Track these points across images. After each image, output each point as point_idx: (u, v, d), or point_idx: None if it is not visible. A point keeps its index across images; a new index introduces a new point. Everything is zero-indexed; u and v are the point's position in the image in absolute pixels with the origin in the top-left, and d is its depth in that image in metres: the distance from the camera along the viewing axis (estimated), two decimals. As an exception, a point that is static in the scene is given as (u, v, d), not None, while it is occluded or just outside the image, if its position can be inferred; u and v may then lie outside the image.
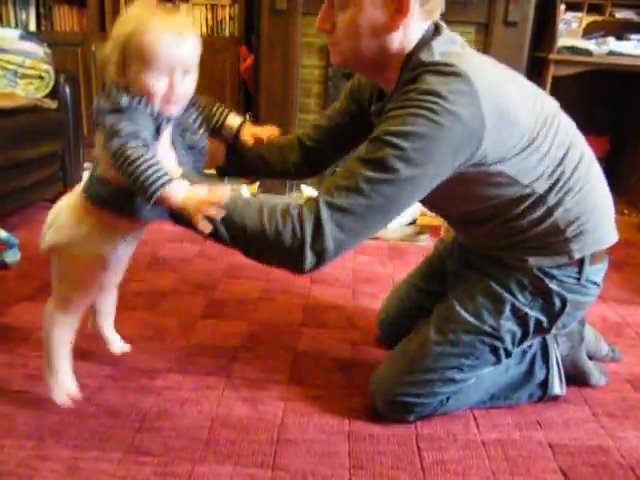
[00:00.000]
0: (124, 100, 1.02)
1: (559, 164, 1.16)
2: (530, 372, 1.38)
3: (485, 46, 2.96)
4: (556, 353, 1.40)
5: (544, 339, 1.39)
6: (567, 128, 1.22)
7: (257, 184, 3.10)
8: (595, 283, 1.28)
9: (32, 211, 2.57)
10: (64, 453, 1.15)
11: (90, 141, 3.61)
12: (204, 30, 3.51)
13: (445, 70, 1.03)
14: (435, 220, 2.59)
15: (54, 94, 2.57)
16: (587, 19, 3.15)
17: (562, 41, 3.06)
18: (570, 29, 3.14)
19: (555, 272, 1.22)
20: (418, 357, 1.27)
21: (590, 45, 3.05)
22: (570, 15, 3.15)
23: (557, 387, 1.40)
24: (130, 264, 2.05)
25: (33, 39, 2.60)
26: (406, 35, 1.10)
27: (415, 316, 1.42)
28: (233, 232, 1.07)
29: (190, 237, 2.39)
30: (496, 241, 1.27)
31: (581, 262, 1.22)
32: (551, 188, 1.16)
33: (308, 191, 2.99)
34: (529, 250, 1.22)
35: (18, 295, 1.81)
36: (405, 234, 2.55)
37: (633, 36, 3.11)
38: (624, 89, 3.41)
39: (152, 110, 1.05)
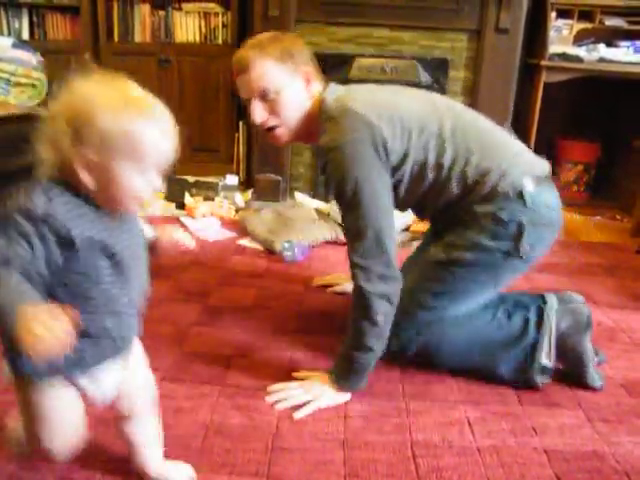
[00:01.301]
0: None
1: (445, 141, 1.41)
2: (521, 334, 1.46)
3: (477, 53, 2.98)
4: (552, 324, 1.46)
5: (541, 308, 1.48)
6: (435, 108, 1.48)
7: (250, 191, 3.10)
8: (547, 205, 1.45)
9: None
10: (56, 464, 1.13)
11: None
12: (197, 38, 3.52)
13: (338, 113, 1.38)
14: (427, 226, 2.60)
15: (47, 102, 2.57)
16: (577, 26, 3.17)
17: (553, 48, 3.08)
18: (561, 36, 3.16)
19: (502, 205, 1.40)
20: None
21: (581, 52, 3.07)
22: (561, 22, 3.17)
23: (544, 356, 1.45)
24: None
25: (26, 47, 2.61)
26: (313, 97, 1.44)
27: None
28: None
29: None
30: (445, 211, 1.49)
31: (520, 193, 1.40)
32: (454, 160, 1.41)
33: (302, 198, 3.00)
34: (472, 204, 1.43)
35: None
36: (399, 241, 2.56)
37: (622, 43, 3.14)
38: (614, 95, 3.44)
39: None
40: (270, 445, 1.23)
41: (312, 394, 1.38)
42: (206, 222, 2.65)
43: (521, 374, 1.46)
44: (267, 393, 1.41)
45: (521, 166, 1.45)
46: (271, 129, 1.45)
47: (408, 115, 1.40)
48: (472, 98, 3.04)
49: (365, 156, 1.34)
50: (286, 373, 1.50)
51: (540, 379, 1.46)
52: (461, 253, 1.43)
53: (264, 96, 1.40)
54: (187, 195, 2.80)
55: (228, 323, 1.76)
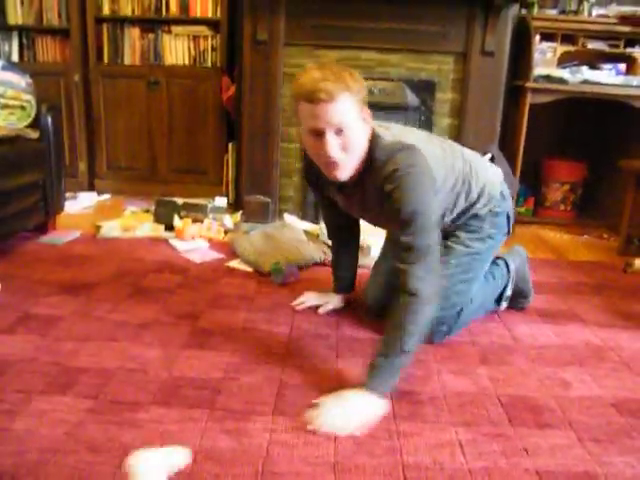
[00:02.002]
0: None
1: (465, 177, 1.75)
2: (501, 283, 2.02)
3: (464, 75, 3.02)
4: (513, 268, 2.03)
5: (506, 261, 2.03)
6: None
7: (239, 213, 3.10)
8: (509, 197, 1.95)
9: (12, 241, 2.55)
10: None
11: (72, 170, 3.61)
12: (187, 61, 3.55)
13: (401, 147, 1.53)
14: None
15: (36, 124, 2.57)
16: (561, 49, 3.24)
17: (538, 70, 3.14)
18: (545, 58, 3.22)
19: (495, 204, 1.86)
20: None
21: (565, 74, 3.13)
22: (545, 45, 3.23)
23: (509, 289, 2.03)
24: (112, 295, 2.05)
25: (15, 69, 2.61)
26: (368, 134, 1.54)
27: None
28: None
29: (172, 267, 2.38)
30: (452, 221, 1.84)
31: (501, 193, 1.89)
32: (467, 193, 1.77)
33: (291, 220, 3.00)
34: (476, 209, 1.83)
35: (-4, 328, 1.78)
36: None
37: (605, 66, 3.21)
38: (599, 115, 3.50)
39: None
40: (260, 469, 1.21)
41: (345, 408, 1.40)
42: (195, 244, 2.64)
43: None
44: (259, 416, 1.40)
45: (496, 175, 1.90)
46: (336, 163, 1.49)
47: (441, 161, 1.65)
48: (459, 119, 3.08)
49: (430, 184, 1.54)
50: (275, 396, 1.49)
51: (505, 304, 2.06)
52: (480, 244, 1.84)
53: (339, 131, 1.43)
54: (176, 217, 2.80)
55: (217, 346, 1.74)
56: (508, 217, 1.92)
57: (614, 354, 1.82)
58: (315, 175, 1.71)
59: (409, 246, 1.48)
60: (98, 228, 2.77)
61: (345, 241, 2.03)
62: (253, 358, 1.68)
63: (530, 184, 3.51)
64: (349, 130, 1.44)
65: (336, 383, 1.57)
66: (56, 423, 1.32)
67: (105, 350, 1.67)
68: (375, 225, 1.86)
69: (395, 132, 1.59)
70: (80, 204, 3.32)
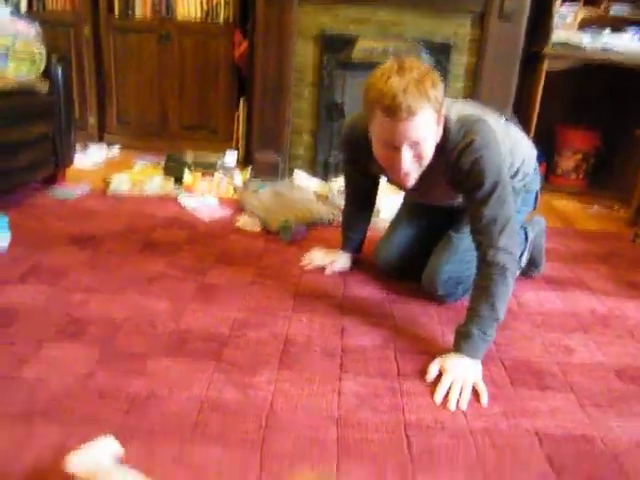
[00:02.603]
0: None
1: (510, 150, 1.71)
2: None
3: (480, 38, 2.96)
4: (530, 238, 2.00)
5: (525, 229, 1.97)
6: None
7: (249, 170, 3.09)
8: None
9: (23, 193, 2.55)
10: (53, 434, 1.14)
11: (81, 124, 3.59)
12: (199, 15, 3.48)
13: (471, 121, 1.51)
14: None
15: (46, 75, 2.55)
16: (582, 12, 3.15)
17: (557, 34, 3.06)
18: (565, 23, 3.14)
19: (529, 179, 1.87)
20: (456, 246, 1.80)
21: (585, 39, 3.06)
22: (566, 9, 3.15)
23: (525, 258, 1.99)
24: (121, 248, 2.06)
25: (24, 19, 2.57)
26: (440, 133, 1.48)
27: (413, 249, 1.94)
28: None
29: (180, 223, 2.39)
30: None
31: (534, 169, 1.90)
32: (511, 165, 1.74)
33: (301, 178, 2.99)
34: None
35: (8, 276, 1.80)
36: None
37: (627, 30, 3.12)
38: (616, 82, 3.42)
39: None
40: (264, 422, 1.24)
41: (464, 381, 1.41)
42: (204, 200, 2.64)
43: None
44: (265, 370, 1.42)
45: (533, 150, 1.87)
46: (407, 174, 1.48)
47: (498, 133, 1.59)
48: (474, 83, 3.03)
49: (502, 154, 1.52)
50: (281, 351, 1.51)
51: (517, 272, 1.90)
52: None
53: (415, 143, 1.40)
54: (186, 172, 2.79)
55: (225, 301, 1.76)
56: (537, 194, 1.94)
57: (619, 322, 1.83)
58: (364, 157, 1.66)
59: (492, 218, 1.47)
60: (107, 184, 2.76)
61: (362, 204, 2.03)
62: (260, 313, 1.70)
63: (542, 151, 3.45)
64: (425, 142, 1.41)
65: (341, 339, 1.59)
66: (65, 371, 1.35)
67: (114, 301, 1.69)
68: (428, 201, 1.85)
69: (457, 107, 1.55)
70: (90, 157, 3.31)
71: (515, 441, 1.24)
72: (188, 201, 2.61)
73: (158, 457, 1.11)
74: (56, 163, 2.66)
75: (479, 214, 1.49)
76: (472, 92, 3.03)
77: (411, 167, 1.46)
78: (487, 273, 1.48)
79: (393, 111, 1.32)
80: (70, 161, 2.80)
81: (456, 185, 1.57)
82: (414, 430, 1.25)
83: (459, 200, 1.67)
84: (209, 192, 2.72)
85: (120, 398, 1.27)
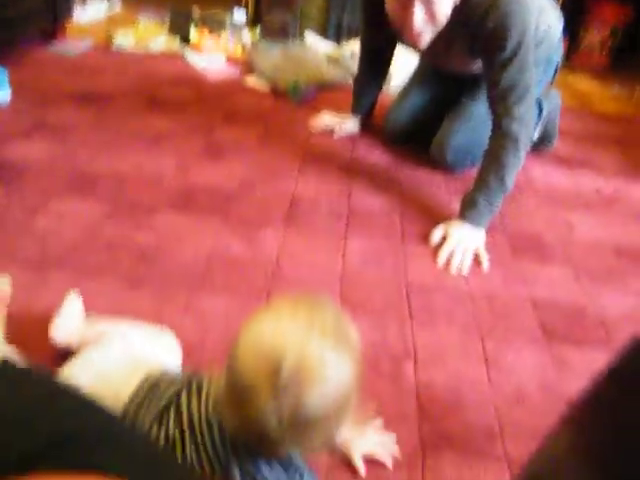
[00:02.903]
0: None
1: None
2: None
3: None
4: (544, 112, 1.93)
5: (540, 101, 1.87)
6: None
7: (258, 29, 2.94)
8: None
9: (22, 49, 2.45)
10: (66, 281, 1.18)
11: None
12: None
13: None
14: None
15: None
16: None
17: None
18: None
19: (552, 49, 1.77)
20: (469, 114, 1.76)
21: None
22: None
23: (537, 132, 1.94)
24: (127, 106, 2.02)
25: None
26: None
27: (424, 114, 1.90)
28: None
29: (187, 81, 2.32)
30: None
31: (559, 39, 1.80)
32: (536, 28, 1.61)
33: (312, 39, 2.85)
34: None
35: (11, 132, 1.77)
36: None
37: None
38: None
39: None
40: (269, 274, 1.28)
41: (466, 246, 1.44)
42: (211, 58, 2.54)
43: None
44: (271, 226, 1.45)
45: (559, 19, 1.79)
46: (419, 35, 1.42)
47: None
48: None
49: (531, 15, 1.43)
50: (288, 209, 1.53)
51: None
52: None
53: (427, 3, 1.35)
54: (192, 29, 2.66)
55: (232, 159, 1.75)
56: (557, 67, 1.87)
57: (623, 203, 1.83)
58: (380, 17, 1.56)
59: (510, 86, 1.41)
60: (111, 38, 2.64)
61: (376, 67, 1.94)
62: (267, 172, 1.70)
63: (567, 24, 3.27)
64: (438, 2, 1.35)
65: (347, 200, 1.61)
66: (75, 223, 1.38)
67: (121, 158, 1.68)
68: (444, 66, 1.78)
69: None
70: (90, 12, 3.13)
71: (511, 306, 1.29)
72: (195, 59, 2.52)
73: (167, 306, 1.16)
74: (54, 16, 2.52)
75: (497, 80, 1.43)
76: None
77: (423, 27, 1.40)
78: (499, 143, 1.45)
79: None
80: (69, 14, 2.65)
81: (476, 48, 1.49)
82: (415, 290, 1.30)
83: (476, 66, 1.60)
84: (216, 50, 2.60)
85: (129, 249, 1.31)
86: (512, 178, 1.47)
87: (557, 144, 2.16)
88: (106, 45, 2.64)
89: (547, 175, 1.95)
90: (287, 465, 0.70)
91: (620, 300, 1.36)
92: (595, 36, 3.26)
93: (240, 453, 0.68)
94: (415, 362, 1.10)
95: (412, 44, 1.56)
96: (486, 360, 1.13)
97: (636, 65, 3.28)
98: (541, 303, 1.31)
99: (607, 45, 3.27)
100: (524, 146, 1.46)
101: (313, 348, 0.61)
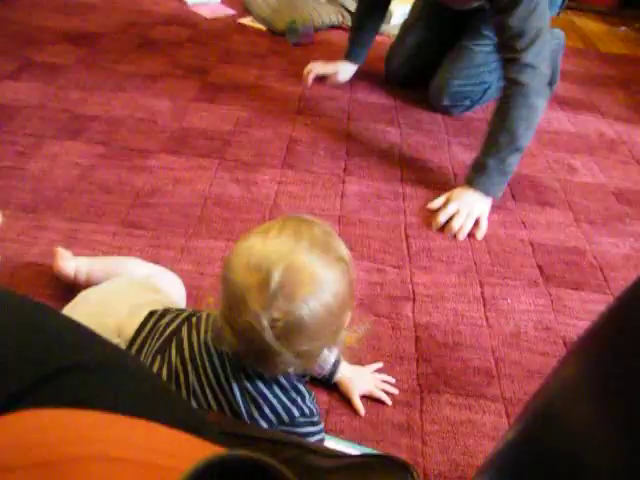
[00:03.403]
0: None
1: None
2: None
3: None
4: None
5: None
6: None
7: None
8: None
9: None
10: (62, 225, 1.17)
11: None
12: None
13: None
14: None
15: None
16: None
17: None
18: None
19: None
20: (469, 59, 1.68)
21: None
22: None
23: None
24: (118, 45, 1.96)
25: None
26: None
27: (424, 54, 1.83)
28: None
29: (181, 20, 2.25)
30: None
31: None
32: None
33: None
34: None
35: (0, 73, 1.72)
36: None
37: None
38: None
39: None
40: (267, 216, 1.26)
41: (469, 211, 1.32)
42: (205, -3, 2.46)
43: None
44: (268, 168, 1.42)
45: None
46: None
47: None
48: None
49: None
50: (285, 151, 1.50)
51: None
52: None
53: None
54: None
55: (228, 100, 1.71)
56: (563, 1, 1.79)
57: (625, 148, 1.80)
58: None
59: (520, 29, 1.28)
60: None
61: (374, 4, 1.81)
62: (264, 114, 1.67)
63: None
64: None
65: (346, 141, 1.58)
66: (69, 166, 1.35)
67: (113, 99, 1.64)
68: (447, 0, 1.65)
69: None
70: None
71: (510, 248, 1.28)
72: (189, -2, 2.43)
73: (164, 248, 1.15)
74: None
75: (505, 22, 1.30)
76: None
77: None
78: (508, 94, 1.32)
79: None
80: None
81: None
82: (414, 231, 1.29)
83: (481, 2, 1.53)
84: (211, -11, 2.51)
85: (124, 192, 1.29)
86: (527, 133, 1.32)
87: (560, 85, 2.11)
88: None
89: (549, 118, 1.91)
90: (288, 388, 0.71)
91: (619, 242, 1.36)
92: (603, -25, 3.15)
93: (240, 375, 0.69)
94: (414, 303, 1.10)
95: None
96: (484, 302, 1.13)
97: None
98: (540, 246, 1.30)
99: (614, -16, 3.16)
100: (539, 96, 1.32)
101: (301, 256, 0.63)
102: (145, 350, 0.76)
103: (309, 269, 0.63)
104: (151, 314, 0.80)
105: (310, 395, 0.73)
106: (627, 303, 0.38)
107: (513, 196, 1.46)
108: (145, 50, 1.97)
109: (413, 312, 1.08)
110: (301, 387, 0.72)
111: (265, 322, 0.61)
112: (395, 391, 0.94)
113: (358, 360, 0.95)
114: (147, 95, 1.68)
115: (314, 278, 0.63)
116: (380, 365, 0.97)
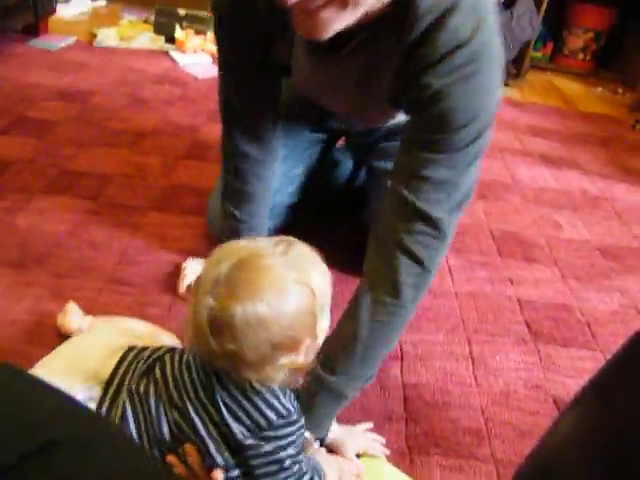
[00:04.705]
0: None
1: None
2: None
3: None
4: None
5: None
6: None
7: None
8: None
9: (3, 43, 2.41)
10: (49, 280, 1.16)
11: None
12: None
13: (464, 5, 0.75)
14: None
15: None
16: None
17: None
18: None
19: None
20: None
21: None
22: None
23: None
24: (110, 103, 1.99)
25: None
26: None
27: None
28: None
29: (172, 80, 2.30)
30: None
31: None
32: None
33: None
34: None
35: (-8, 127, 1.74)
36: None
37: None
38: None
39: None
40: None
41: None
42: (196, 58, 2.52)
43: None
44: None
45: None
46: (317, 11, 0.69)
47: None
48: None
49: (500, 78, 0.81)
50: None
51: None
52: None
53: None
54: (177, 28, 2.63)
55: (217, 158, 1.71)
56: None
57: (608, 204, 1.84)
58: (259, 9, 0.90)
59: (442, 179, 0.81)
60: (94, 35, 2.61)
61: (261, 168, 1.12)
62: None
63: (551, 28, 3.30)
64: None
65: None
66: (58, 221, 1.35)
67: (104, 156, 1.66)
68: (349, 117, 1.18)
69: None
70: (73, 9, 3.10)
71: (497, 305, 1.29)
72: (180, 57, 2.49)
73: (150, 306, 1.14)
74: (35, 10, 2.48)
75: (423, 165, 0.81)
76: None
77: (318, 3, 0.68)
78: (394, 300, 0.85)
79: None
80: (51, 9, 2.61)
81: (403, 99, 0.85)
82: (401, 290, 1.28)
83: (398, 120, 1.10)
84: (202, 49, 2.58)
85: (112, 249, 1.29)
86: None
87: (543, 143, 2.17)
88: (89, 41, 2.61)
89: (533, 175, 1.95)
90: (262, 391, 0.70)
91: (606, 299, 1.37)
92: (578, 39, 3.29)
93: (216, 385, 0.70)
94: (402, 362, 1.10)
95: (308, 30, 0.73)
96: (473, 360, 1.13)
97: (619, 68, 3.31)
98: (527, 303, 1.31)
99: (590, 49, 3.29)
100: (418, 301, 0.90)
101: (262, 259, 0.65)
102: (128, 377, 0.77)
103: (261, 273, 0.64)
104: (130, 349, 0.81)
105: (285, 393, 0.72)
106: (615, 367, 0.38)
107: (499, 253, 1.47)
108: (136, 108, 2.00)
109: (401, 371, 1.08)
110: (275, 388, 0.71)
111: (205, 307, 0.63)
112: (386, 451, 0.92)
113: (347, 420, 0.93)
114: (137, 152, 1.70)
115: (260, 284, 0.64)
116: (370, 425, 0.95)
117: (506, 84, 2.88)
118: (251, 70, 1.00)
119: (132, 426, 0.73)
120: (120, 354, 0.80)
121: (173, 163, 1.67)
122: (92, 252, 1.26)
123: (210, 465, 0.71)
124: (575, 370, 1.14)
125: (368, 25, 0.79)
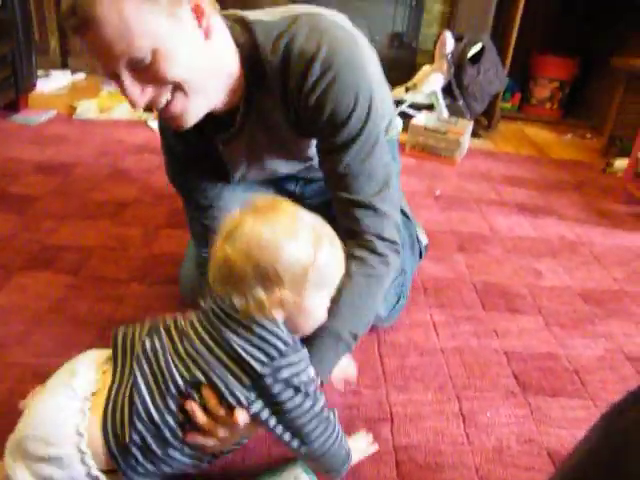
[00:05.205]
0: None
1: None
2: None
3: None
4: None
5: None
6: None
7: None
8: None
9: (-17, 118, 2.45)
10: (30, 360, 1.15)
11: (42, 47, 3.39)
12: None
13: (300, 18, 0.93)
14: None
15: (-1, -9, 2.38)
16: None
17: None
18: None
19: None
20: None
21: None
22: None
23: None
24: (91, 175, 2.01)
25: None
26: (224, 38, 0.90)
27: None
28: None
29: (151, 149, 2.33)
30: None
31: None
32: None
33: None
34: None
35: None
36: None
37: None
38: (597, 9, 3.35)
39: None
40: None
41: None
42: (175, 126, 2.56)
43: None
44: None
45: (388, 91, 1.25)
46: (168, 106, 0.86)
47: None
48: (452, 6, 2.94)
49: (371, 61, 1.04)
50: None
51: None
52: None
53: (138, 62, 0.79)
54: (155, 98, 2.69)
55: (198, 226, 1.74)
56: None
57: (586, 249, 1.87)
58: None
59: (351, 172, 0.96)
60: (74, 108, 2.66)
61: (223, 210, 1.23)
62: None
63: (518, 79, 3.43)
64: (160, 54, 0.79)
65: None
66: (39, 297, 1.34)
67: (85, 228, 1.67)
68: (269, 176, 1.23)
69: (275, 10, 0.99)
70: (53, 83, 3.17)
71: (484, 359, 1.28)
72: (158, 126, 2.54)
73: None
74: (16, 87, 2.53)
75: (337, 165, 0.96)
76: (450, 15, 2.95)
77: (159, 99, 0.84)
78: (355, 268, 0.95)
79: (65, 23, 0.79)
80: (32, 86, 2.67)
81: (307, 131, 1.00)
82: (388, 349, 1.28)
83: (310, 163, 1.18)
84: (180, 118, 2.64)
85: (94, 323, 1.27)
86: (371, 319, 1.01)
87: (518, 192, 2.22)
88: (69, 114, 2.66)
89: (511, 224, 1.98)
90: (267, 327, 0.76)
91: (591, 344, 1.37)
92: (545, 89, 3.41)
93: (223, 328, 0.75)
94: (392, 424, 1.08)
95: (174, 123, 0.90)
96: (463, 418, 1.12)
97: (585, 114, 3.43)
98: (514, 355, 1.31)
99: (557, 97, 3.42)
100: (394, 264, 1.02)
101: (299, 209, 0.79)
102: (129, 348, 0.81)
103: (289, 212, 0.77)
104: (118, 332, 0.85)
105: (284, 331, 0.77)
106: (602, 434, 0.38)
107: (483, 305, 1.48)
108: (117, 178, 2.02)
109: (392, 434, 1.06)
110: (275, 323, 0.77)
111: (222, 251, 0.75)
112: None
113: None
114: (118, 223, 1.71)
115: (281, 216, 0.76)
116: None
117: (479, 135, 2.96)
118: (191, 161, 1.20)
119: (142, 387, 0.75)
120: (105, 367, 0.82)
121: (154, 232, 1.68)
122: (73, 328, 1.25)
123: (230, 405, 0.74)
124: (567, 421, 1.13)
125: (243, 95, 0.96)
